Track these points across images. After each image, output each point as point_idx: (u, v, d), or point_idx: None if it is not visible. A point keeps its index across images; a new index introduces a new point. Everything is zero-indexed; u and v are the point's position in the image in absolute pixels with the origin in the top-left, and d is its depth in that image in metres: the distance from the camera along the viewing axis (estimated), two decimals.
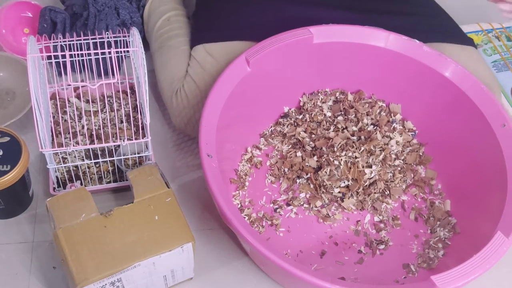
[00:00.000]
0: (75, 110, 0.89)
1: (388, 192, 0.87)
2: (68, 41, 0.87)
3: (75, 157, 0.87)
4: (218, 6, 0.98)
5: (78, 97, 0.96)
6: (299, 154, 0.90)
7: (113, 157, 0.85)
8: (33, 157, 0.90)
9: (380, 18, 0.95)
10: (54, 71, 0.88)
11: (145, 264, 0.69)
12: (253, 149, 0.92)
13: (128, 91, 0.89)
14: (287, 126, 0.94)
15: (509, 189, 0.75)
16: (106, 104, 0.91)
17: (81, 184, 0.85)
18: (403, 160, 0.90)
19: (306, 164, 0.88)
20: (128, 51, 0.96)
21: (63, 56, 0.82)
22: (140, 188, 0.74)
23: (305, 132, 0.92)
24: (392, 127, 0.92)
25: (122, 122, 0.93)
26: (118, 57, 0.98)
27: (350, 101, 0.94)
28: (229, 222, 0.68)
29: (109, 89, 0.97)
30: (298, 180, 0.88)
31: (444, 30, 0.98)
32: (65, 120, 0.92)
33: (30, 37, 0.79)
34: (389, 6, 0.99)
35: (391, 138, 0.90)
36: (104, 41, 0.87)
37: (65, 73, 0.95)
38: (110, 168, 0.87)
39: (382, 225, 0.85)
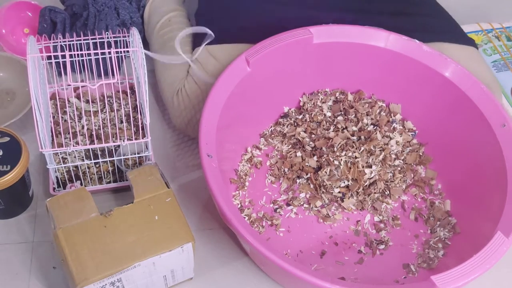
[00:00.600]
0: (75, 110, 0.89)
1: (388, 192, 0.87)
2: (68, 41, 0.87)
3: (75, 157, 0.87)
4: (221, 7, 0.98)
5: (78, 97, 0.96)
6: (299, 154, 0.90)
7: (113, 157, 0.85)
8: (33, 157, 0.90)
9: (380, 18, 0.95)
10: (54, 71, 0.88)
11: (145, 264, 0.69)
12: (253, 149, 0.92)
13: (128, 91, 0.89)
14: (287, 126, 0.94)
15: (509, 189, 0.75)
16: (106, 104, 0.91)
17: (81, 184, 0.85)
18: (403, 160, 0.90)
19: (306, 164, 0.88)
20: (128, 51, 0.96)
21: (63, 56, 0.82)
22: (140, 188, 0.74)
23: (305, 132, 0.92)
24: (392, 127, 0.92)
25: (122, 122, 0.93)
26: (118, 57, 0.98)
27: (350, 101, 0.94)
28: (229, 222, 0.68)
29: (109, 89, 0.97)
30: (298, 180, 0.88)
31: (444, 30, 0.98)
32: (65, 120, 0.92)
33: (30, 37, 0.79)
34: (389, 7, 0.99)
35: (391, 138, 0.90)
36: (104, 41, 0.87)
37: (65, 73, 0.95)
38: (110, 168, 0.87)
39: (382, 225, 0.85)
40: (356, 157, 0.86)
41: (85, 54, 0.86)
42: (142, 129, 0.89)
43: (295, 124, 0.93)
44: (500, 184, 0.77)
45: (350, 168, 0.85)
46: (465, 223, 0.83)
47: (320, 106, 0.94)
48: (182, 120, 0.92)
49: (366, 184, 0.85)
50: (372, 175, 0.85)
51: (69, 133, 0.90)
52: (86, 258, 0.67)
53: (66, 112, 0.91)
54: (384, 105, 0.95)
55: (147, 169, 0.77)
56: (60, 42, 0.86)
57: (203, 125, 0.76)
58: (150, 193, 0.74)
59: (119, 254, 0.68)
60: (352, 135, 0.90)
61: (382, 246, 0.83)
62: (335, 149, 0.87)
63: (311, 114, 0.93)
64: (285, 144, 0.92)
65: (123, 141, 0.80)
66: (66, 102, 0.95)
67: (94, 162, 0.87)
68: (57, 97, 0.95)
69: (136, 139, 0.81)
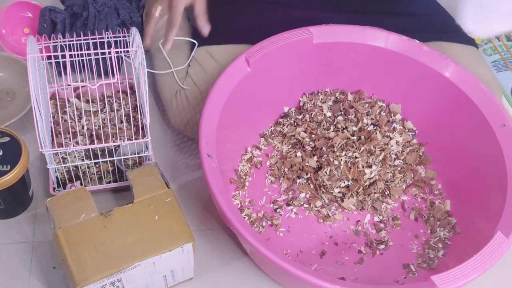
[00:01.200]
0: (75, 110, 0.89)
1: (388, 192, 0.87)
2: (68, 41, 0.87)
3: (75, 157, 0.87)
4: (221, 8, 0.98)
5: (78, 97, 0.96)
6: (299, 154, 0.90)
7: (113, 157, 0.85)
8: (33, 157, 0.90)
9: (380, 18, 0.95)
10: (54, 71, 0.88)
11: (145, 264, 0.69)
12: (253, 149, 0.92)
13: (128, 91, 0.89)
14: (287, 126, 0.94)
15: (509, 189, 0.75)
16: (106, 104, 0.91)
17: (81, 184, 0.85)
18: (403, 160, 0.90)
19: (306, 164, 0.88)
20: (128, 51, 0.96)
21: (63, 56, 0.82)
22: (140, 188, 0.74)
23: (305, 132, 0.92)
24: (392, 127, 0.92)
25: (122, 122, 0.93)
26: (118, 57, 0.98)
27: (350, 101, 0.94)
28: (229, 222, 0.68)
29: (109, 89, 0.97)
30: (298, 180, 0.88)
31: (444, 30, 0.98)
32: (65, 120, 0.92)
33: (30, 37, 0.79)
34: (389, 7, 0.99)
35: (391, 138, 0.90)
36: (104, 41, 0.87)
37: (65, 73, 0.95)
38: (110, 168, 0.87)
39: (382, 225, 0.85)
40: (356, 157, 0.86)
41: (85, 54, 0.86)
42: (142, 129, 0.89)
43: (295, 124, 0.93)
44: (500, 184, 0.77)
45: (350, 168, 0.85)
46: (465, 223, 0.83)
47: (320, 106, 0.94)
48: (181, 121, 0.92)
49: (366, 184, 0.85)
50: (372, 175, 0.85)
51: (69, 133, 0.90)
52: (86, 258, 0.67)
53: (66, 112, 0.91)
54: (384, 105, 0.95)
55: (147, 169, 0.77)
56: (60, 42, 0.86)
57: (203, 125, 0.76)
58: (150, 193, 0.74)
59: (119, 254, 0.68)
60: (352, 135, 0.90)
61: (382, 246, 0.83)
62: (335, 149, 0.87)
63: (311, 114, 0.93)
64: (285, 144, 0.92)
65: (123, 141, 0.80)
66: (66, 102, 0.95)
67: (94, 162, 0.87)
68: (57, 97, 0.95)
69: (136, 139, 0.81)
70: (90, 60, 0.93)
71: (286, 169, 0.90)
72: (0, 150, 0.78)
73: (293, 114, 0.95)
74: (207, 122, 0.77)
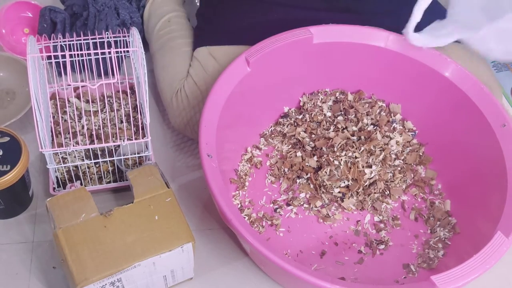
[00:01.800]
0: (75, 110, 0.89)
1: (388, 192, 0.87)
2: (68, 41, 0.87)
3: (75, 157, 0.87)
4: (224, 9, 0.98)
5: (78, 97, 0.96)
6: (299, 154, 0.90)
7: (113, 157, 0.85)
8: (33, 157, 0.90)
9: (379, 18, 0.94)
10: (54, 71, 0.88)
11: (145, 264, 0.69)
12: (253, 149, 0.92)
13: (128, 91, 0.89)
14: (287, 126, 0.94)
15: (509, 189, 0.75)
16: (106, 104, 0.91)
17: (81, 184, 0.85)
18: (403, 160, 0.90)
19: (306, 164, 0.88)
20: (128, 51, 0.96)
21: (63, 56, 0.82)
22: (140, 188, 0.74)
23: (305, 132, 0.92)
24: (392, 127, 0.92)
25: (122, 122, 0.93)
26: (118, 57, 0.98)
27: (350, 101, 0.94)
28: (229, 222, 0.68)
29: (109, 89, 0.97)
30: (298, 180, 0.88)
31: None
32: (65, 120, 0.92)
33: (30, 37, 0.79)
34: (388, 7, 0.98)
35: (391, 138, 0.90)
36: (104, 41, 0.87)
37: (65, 73, 0.95)
38: (110, 168, 0.87)
39: (382, 225, 0.85)
40: (356, 157, 0.86)
41: (85, 54, 0.86)
42: (142, 129, 0.89)
43: (295, 124, 0.93)
44: (500, 184, 0.77)
45: (350, 168, 0.85)
46: (465, 223, 0.83)
47: (320, 106, 0.94)
48: (181, 121, 0.92)
49: (366, 184, 0.85)
50: (372, 175, 0.85)
51: (69, 133, 0.90)
52: (86, 258, 0.67)
53: (66, 112, 0.91)
54: (384, 105, 0.95)
55: (147, 169, 0.77)
56: (60, 42, 0.86)
57: (203, 125, 0.76)
58: (150, 193, 0.74)
59: (119, 254, 0.68)
60: (352, 135, 0.90)
61: (382, 246, 0.83)
62: (335, 149, 0.87)
63: (311, 114, 0.93)
64: (285, 144, 0.92)
65: (123, 141, 0.80)
66: (66, 102, 0.95)
67: (94, 162, 0.87)
68: (57, 97, 0.95)
69: (136, 139, 0.81)
70: (90, 60, 0.93)
71: (286, 169, 0.90)
72: (0, 150, 0.78)
73: (293, 114, 0.95)
74: (207, 122, 0.77)
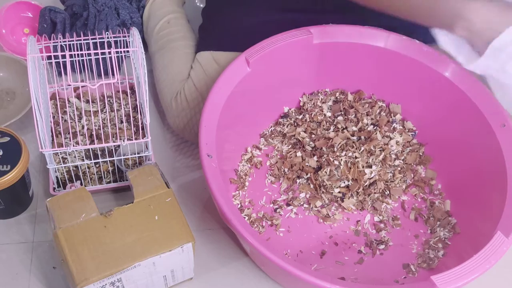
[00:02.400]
0: (75, 110, 0.89)
1: (388, 192, 0.87)
2: (68, 41, 0.87)
3: (75, 157, 0.87)
4: (229, 11, 0.97)
5: (78, 97, 0.96)
6: (299, 154, 0.90)
7: (113, 157, 0.85)
8: (33, 157, 0.90)
9: (380, 19, 0.94)
10: (54, 71, 0.88)
11: (145, 264, 0.69)
12: (253, 149, 0.92)
13: (128, 91, 0.89)
14: (287, 126, 0.94)
15: (509, 189, 0.75)
16: (106, 104, 0.91)
17: (81, 184, 0.85)
18: (403, 160, 0.90)
19: (306, 164, 0.88)
20: (128, 51, 0.96)
21: (63, 56, 0.82)
22: (140, 188, 0.74)
23: (305, 132, 0.92)
24: (392, 127, 0.92)
25: (122, 122, 0.93)
26: (118, 57, 0.98)
27: (350, 101, 0.94)
28: (229, 222, 0.68)
29: (109, 89, 0.97)
30: (298, 180, 0.88)
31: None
32: (65, 120, 0.92)
33: (30, 37, 0.79)
34: None
35: (391, 138, 0.90)
36: (104, 41, 0.87)
37: (65, 73, 0.95)
38: (110, 168, 0.87)
39: (382, 225, 0.85)
40: (356, 157, 0.86)
41: (85, 54, 0.86)
42: (142, 129, 0.89)
43: (295, 124, 0.93)
44: (500, 184, 0.77)
45: (350, 168, 0.85)
46: (465, 223, 0.83)
47: (320, 106, 0.94)
48: (180, 122, 0.92)
49: (366, 184, 0.85)
50: (372, 175, 0.85)
51: (69, 133, 0.90)
52: (86, 258, 0.67)
53: (66, 112, 0.91)
54: (384, 105, 0.94)
55: (147, 169, 0.77)
56: (60, 42, 0.86)
57: (203, 125, 0.76)
58: (150, 193, 0.74)
59: (119, 254, 0.68)
60: (352, 135, 0.90)
61: (382, 246, 0.83)
62: (335, 149, 0.87)
63: (311, 114, 0.93)
64: (285, 144, 0.92)
65: (123, 141, 0.80)
66: (66, 102, 0.95)
67: (94, 162, 0.87)
68: (57, 97, 0.95)
69: (136, 139, 0.81)
70: (90, 60, 0.93)
71: (286, 169, 0.90)
72: (0, 150, 0.78)
73: (293, 114, 0.95)
74: (207, 122, 0.77)
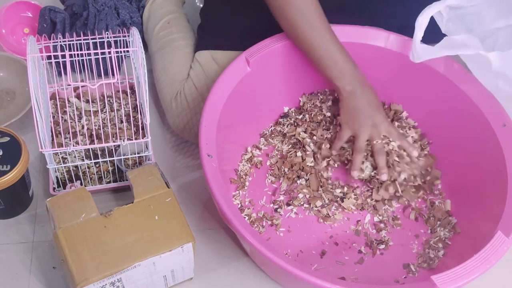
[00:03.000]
0: (75, 110, 0.89)
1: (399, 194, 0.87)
2: (68, 41, 0.87)
3: (75, 157, 0.87)
4: (228, 12, 0.97)
5: (78, 97, 0.96)
6: (299, 154, 0.90)
7: (113, 157, 0.85)
8: (33, 157, 0.90)
9: (380, 19, 0.94)
10: (54, 71, 0.88)
11: (145, 264, 0.69)
12: (253, 149, 0.92)
13: (128, 91, 0.89)
14: (287, 126, 0.94)
15: (509, 189, 0.75)
16: (106, 104, 0.91)
17: (81, 184, 0.85)
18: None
19: (306, 164, 0.88)
20: (128, 51, 0.96)
21: (63, 56, 0.82)
22: (140, 188, 0.74)
23: (305, 132, 0.92)
24: (400, 125, 0.91)
25: (122, 122, 0.93)
26: (118, 57, 0.98)
27: None
28: (229, 222, 0.68)
29: (109, 89, 0.97)
30: (298, 181, 0.88)
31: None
32: (65, 120, 0.92)
33: (30, 37, 0.79)
34: (390, 9, 0.98)
35: (406, 136, 0.89)
36: (104, 41, 0.87)
37: (65, 73, 0.95)
38: (110, 168, 0.87)
39: (382, 225, 0.85)
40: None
41: (85, 54, 0.86)
42: (142, 129, 0.89)
43: (295, 124, 0.93)
44: (500, 184, 0.77)
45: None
46: (465, 223, 0.83)
47: (320, 106, 0.94)
48: (180, 122, 0.92)
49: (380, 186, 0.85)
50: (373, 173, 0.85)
51: (69, 133, 0.90)
52: (86, 258, 0.67)
53: (66, 112, 0.91)
54: (386, 106, 0.94)
55: (147, 169, 0.77)
56: (60, 42, 0.86)
57: (203, 125, 0.76)
58: (150, 193, 0.74)
59: (119, 254, 0.68)
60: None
61: (382, 246, 0.83)
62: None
63: (311, 114, 0.93)
64: (285, 144, 0.92)
65: (123, 141, 0.80)
66: (66, 102, 0.95)
67: (94, 162, 0.87)
68: (57, 97, 0.95)
69: (136, 139, 0.81)
70: (90, 60, 0.93)
71: (286, 169, 0.89)
72: (0, 150, 0.77)
73: (293, 114, 0.95)
74: (207, 122, 0.77)
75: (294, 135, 0.92)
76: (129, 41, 0.88)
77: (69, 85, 0.94)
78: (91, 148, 0.88)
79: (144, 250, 0.69)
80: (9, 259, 0.80)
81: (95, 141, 0.82)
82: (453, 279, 0.65)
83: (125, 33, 0.90)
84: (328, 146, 0.88)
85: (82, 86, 0.94)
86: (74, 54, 0.82)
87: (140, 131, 0.87)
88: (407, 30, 0.90)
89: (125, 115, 0.94)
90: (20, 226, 0.84)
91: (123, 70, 1.02)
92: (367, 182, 0.86)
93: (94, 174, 0.86)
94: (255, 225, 0.83)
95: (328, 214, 0.85)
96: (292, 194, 0.87)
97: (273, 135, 0.94)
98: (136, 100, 0.95)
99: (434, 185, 0.90)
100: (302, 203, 0.86)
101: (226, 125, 0.80)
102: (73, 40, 0.87)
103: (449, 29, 0.83)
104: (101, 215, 0.71)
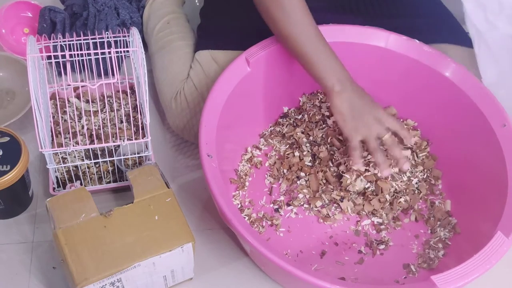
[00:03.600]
0: (75, 110, 0.89)
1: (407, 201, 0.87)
2: (68, 41, 0.87)
3: (75, 157, 0.87)
4: (227, 11, 0.97)
5: (78, 97, 0.96)
6: (296, 154, 0.90)
7: (113, 157, 0.85)
8: (33, 157, 0.90)
9: (380, 20, 0.94)
10: (54, 71, 0.88)
11: (145, 264, 0.69)
12: (253, 149, 0.92)
13: (128, 91, 0.89)
14: (286, 127, 0.93)
15: (509, 189, 0.75)
16: (106, 104, 0.91)
17: (81, 184, 0.85)
18: (421, 161, 0.90)
19: (305, 163, 0.88)
20: (128, 51, 0.96)
21: (63, 56, 0.82)
22: (140, 188, 0.74)
23: (302, 133, 0.92)
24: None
25: (122, 122, 0.93)
26: (118, 57, 0.98)
27: None
28: (229, 222, 0.68)
29: (109, 89, 0.97)
30: (298, 181, 0.88)
31: (447, 32, 0.97)
32: (65, 120, 0.92)
33: (30, 37, 0.79)
34: (390, 9, 0.98)
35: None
36: (104, 41, 0.87)
37: (65, 73, 0.95)
38: (110, 168, 0.87)
39: (382, 225, 0.85)
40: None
41: (85, 54, 0.86)
42: (142, 129, 0.89)
43: (294, 124, 0.93)
44: (500, 184, 0.77)
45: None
46: (465, 223, 0.83)
47: (319, 106, 0.94)
48: (180, 122, 0.92)
49: (390, 197, 0.85)
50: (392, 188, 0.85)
51: (69, 133, 0.90)
52: (86, 258, 0.67)
53: (66, 112, 0.91)
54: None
55: (147, 169, 0.77)
56: (60, 42, 0.86)
57: (203, 125, 0.76)
58: (150, 193, 0.74)
59: (119, 254, 0.68)
60: None
61: (382, 246, 0.83)
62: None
63: (309, 114, 0.93)
64: (283, 144, 0.92)
65: (123, 141, 0.80)
66: (66, 102, 0.95)
67: (94, 162, 0.87)
68: (57, 97, 0.95)
69: (136, 139, 0.81)
70: (90, 60, 0.93)
71: (285, 170, 0.89)
72: (0, 150, 0.77)
73: (293, 114, 0.95)
74: (207, 122, 0.77)
75: (293, 135, 0.92)
76: (129, 41, 0.88)
77: (69, 85, 0.94)
78: (91, 148, 0.88)
79: (144, 250, 0.69)
80: (9, 259, 0.80)
81: (95, 141, 0.82)
82: (453, 279, 0.65)
83: (125, 33, 0.90)
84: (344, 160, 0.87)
85: (82, 86, 0.94)
86: (74, 54, 0.82)
87: (140, 131, 0.87)
88: (408, 31, 0.90)
89: (125, 115, 0.94)
90: (20, 226, 0.84)
91: (123, 70, 1.02)
92: (361, 194, 0.85)
93: (94, 174, 0.86)
94: (255, 225, 0.83)
95: (328, 214, 0.85)
96: (292, 194, 0.87)
97: (272, 136, 0.94)
98: (136, 100, 0.95)
99: (435, 185, 0.90)
100: (302, 203, 0.86)
101: (226, 125, 0.80)
102: (73, 40, 0.87)
103: None
104: (101, 215, 0.71)
